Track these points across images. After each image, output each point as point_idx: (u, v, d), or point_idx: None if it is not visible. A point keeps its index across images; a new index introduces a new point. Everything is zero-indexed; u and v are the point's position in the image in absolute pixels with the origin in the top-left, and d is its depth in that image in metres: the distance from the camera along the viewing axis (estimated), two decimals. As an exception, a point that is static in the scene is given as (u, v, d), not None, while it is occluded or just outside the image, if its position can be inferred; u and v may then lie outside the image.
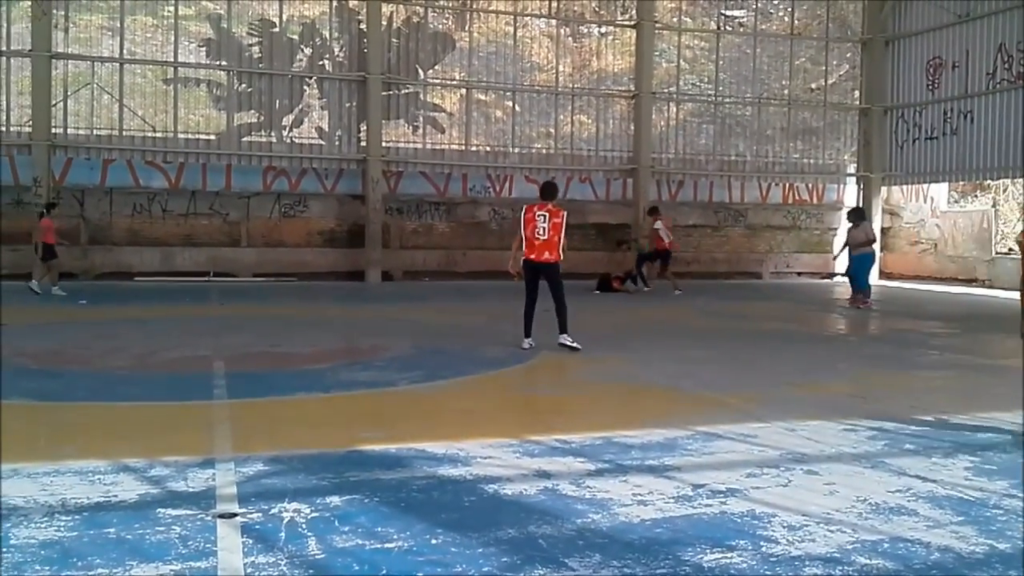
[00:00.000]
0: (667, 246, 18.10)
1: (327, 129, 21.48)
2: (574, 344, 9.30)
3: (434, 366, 8.40)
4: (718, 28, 24.31)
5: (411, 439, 5.37)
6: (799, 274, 24.68)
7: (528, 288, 9.53)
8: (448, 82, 22.58)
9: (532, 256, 9.38)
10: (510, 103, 22.94)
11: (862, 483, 4.64)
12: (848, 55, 25.42)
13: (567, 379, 8.06)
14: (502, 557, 3.49)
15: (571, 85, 23.18)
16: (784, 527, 3.92)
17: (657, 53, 23.52)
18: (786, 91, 24.79)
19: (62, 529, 3.72)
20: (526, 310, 9.54)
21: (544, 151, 23.10)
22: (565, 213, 9.50)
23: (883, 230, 24.79)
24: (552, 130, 23.07)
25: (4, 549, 3.46)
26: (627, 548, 3.61)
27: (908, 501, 4.34)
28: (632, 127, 23.14)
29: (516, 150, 22.76)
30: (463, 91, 22.46)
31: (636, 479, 4.61)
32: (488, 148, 22.63)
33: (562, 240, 9.39)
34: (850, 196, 24.91)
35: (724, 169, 24.04)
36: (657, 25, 23.10)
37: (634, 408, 6.77)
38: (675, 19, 23.91)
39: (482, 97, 22.97)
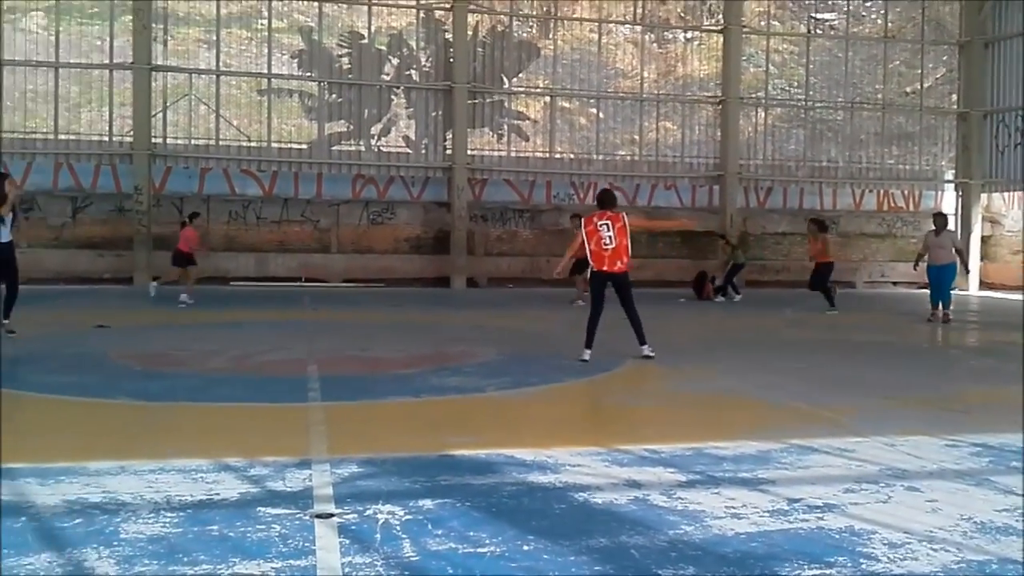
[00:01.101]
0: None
1: (414, 138, 21.83)
2: (651, 353, 9.24)
3: (521, 373, 8.43)
4: (808, 32, 23.84)
5: (500, 445, 5.41)
6: (894, 283, 23.94)
7: (595, 299, 9.29)
8: (532, 90, 22.70)
9: (604, 268, 9.13)
10: (594, 110, 22.93)
11: (966, 501, 4.47)
12: (944, 58, 24.59)
13: (654, 389, 7.99)
14: (594, 566, 3.48)
15: (656, 91, 23.04)
16: (885, 544, 3.80)
17: (745, 58, 23.19)
18: (880, 95, 24.13)
19: (168, 525, 3.85)
20: (591, 322, 9.24)
21: (628, 158, 23.01)
22: (626, 215, 9.28)
23: (983, 239, 23.89)
24: (637, 137, 22.95)
25: (114, 543, 3.61)
26: (721, 561, 3.55)
27: (1016, 521, 4.16)
28: (719, 133, 22.85)
29: (600, 157, 22.72)
30: (547, 99, 22.55)
31: (729, 491, 4.54)
32: (572, 155, 22.66)
33: (629, 245, 9.18)
34: (948, 203, 24.07)
35: (815, 175, 23.53)
36: (745, 30, 22.79)
37: (725, 419, 6.66)
38: (763, 23, 23.54)
39: (566, 104, 23.02)
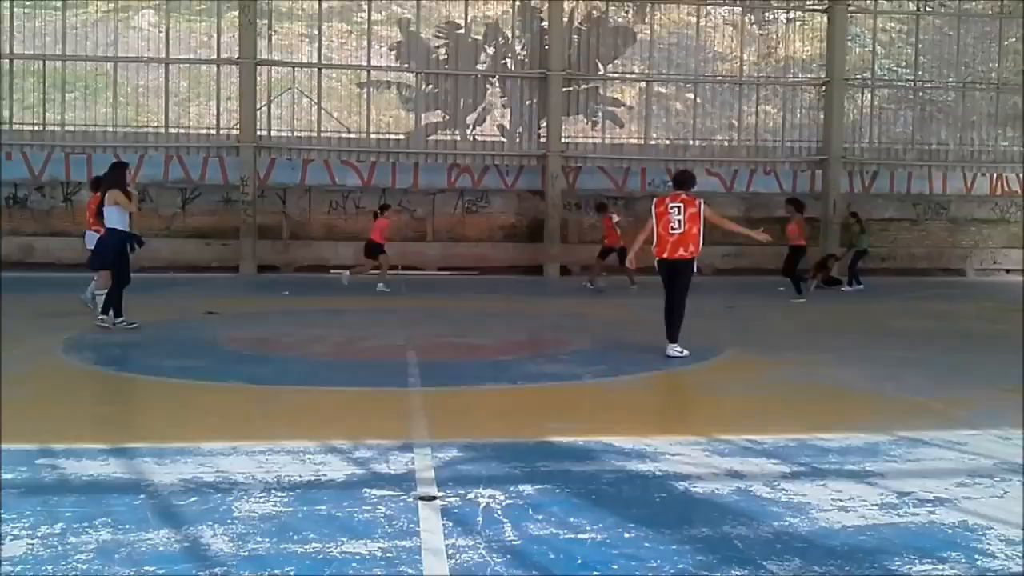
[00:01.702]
0: (619, 241, 16.48)
1: (508, 127, 21.91)
2: (683, 353, 8.38)
3: (617, 361, 8.40)
4: (917, 9, 22.88)
5: (598, 432, 5.40)
6: (1007, 271, 22.84)
7: (667, 289, 8.58)
8: (628, 76, 22.49)
9: (665, 254, 8.40)
10: (691, 95, 22.56)
11: (1092, 498, 4.25)
12: (1067, 32, 23.26)
13: (756, 378, 7.83)
14: (696, 556, 3.45)
15: (755, 74, 22.52)
16: (1001, 541, 3.65)
17: (849, 38, 22.43)
18: (994, 74, 22.98)
19: (278, 504, 4.00)
20: (667, 314, 8.57)
21: (726, 143, 22.58)
22: (702, 202, 8.45)
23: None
24: (735, 121, 22.50)
25: (228, 521, 3.76)
26: (829, 554, 3.48)
27: None
28: (821, 116, 22.18)
29: (696, 143, 22.37)
30: (643, 84, 22.31)
31: (835, 484, 4.43)
32: (667, 141, 22.38)
33: (700, 233, 8.36)
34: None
35: (924, 159, 22.63)
36: (850, 8, 22.04)
37: (830, 410, 6.49)
38: (869, 1, 22.68)
39: (662, 90, 22.72)
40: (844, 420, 5.98)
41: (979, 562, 3.43)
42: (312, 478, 4.40)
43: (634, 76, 22.41)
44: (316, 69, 21.06)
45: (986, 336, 10.76)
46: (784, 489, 4.34)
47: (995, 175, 22.98)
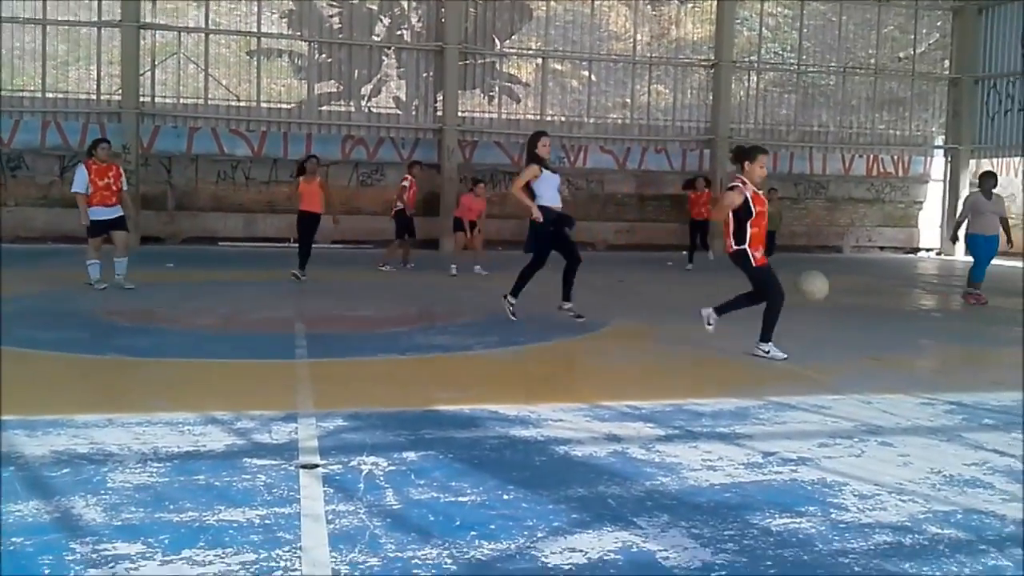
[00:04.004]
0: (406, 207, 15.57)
1: (404, 99, 21.70)
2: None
3: (508, 332, 8.50)
4: (803, -6, 23.69)
5: (484, 401, 5.49)
6: (881, 248, 24.06)
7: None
8: (524, 52, 22.54)
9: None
10: (586, 73, 22.79)
11: (937, 456, 4.58)
12: (939, 23, 24.52)
13: (640, 348, 8.07)
14: (571, 514, 3.57)
15: (649, 54, 22.91)
16: (855, 496, 3.91)
17: (738, 21, 23.06)
18: (873, 60, 24.06)
19: (154, 475, 3.93)
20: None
21: (620, 121, 22.94)
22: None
23: (972, 204, 23.96)
24: (628, 100, 22.86)
25: (101, 491, 3.68)
26: (695, 510, 3.65)
27: (984, 475, 4.28)
28: (711, 97, 22.78)
29: (592, 120, 22.64)
30: (539, 61, 22.41)
31: (706, 445, 4.64)
32: (563, 118, 22.57)
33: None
34: (937, 169, 24.14)
35: (805, 140, 23.55)
36: (739, -7, 22.62)
37: (706, 378, 6.76)
38: (758, -14, 23.35)
39: (558, 67, 22.88)
40: (719, 386, 6.24)
41: (833, 515, 3.66)
42: (191, 449, 4.33)
43: (531, 52, 22.49)
44: (203, 34, 20.34)
45: (857, 309, 11.33)
46: (658, 451, 4.52)
47: (871, 156, 24.09)
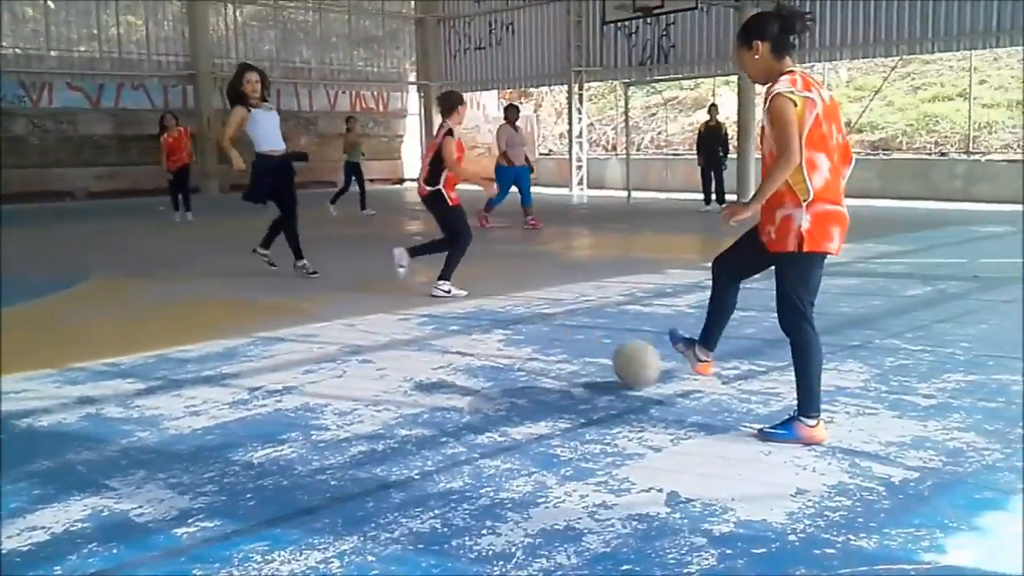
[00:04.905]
0: None
1: None
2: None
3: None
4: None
5: (-77, 383, 4.69)
6: (372, 181, 25.36)
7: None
8: (-43, -28, 19.21)
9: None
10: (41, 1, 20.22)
11: (410, 365, 5.01)
12: (400, -37, 26.11)
13: (123, 301, 7.52)
14: (34, 491, 3.23)
15: (114, -19, 21.02)
16: (335, 414, 4.11)
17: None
18: (345, -1, 24.89)
19: None
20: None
21: (88, 55, 20.83)
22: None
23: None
24: (96, 32, 20.82)
25: None
26: (174, 459, 3.54)
27: (448, 375, 4.79)
28: (187, 30, 21.71)
29: (54, 54, 20.23)
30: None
31: (190, 392, 4.51)
32: (19, 51, 19.83)
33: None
34: (413, 104, 26.01)
35: (289, 76, 23.68)
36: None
37: (196, 322, 6.55)
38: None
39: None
40: (208, 330, 6.07)
41: (314, 436, 3.81)
42: None
43: (-34, -27, 19.23)
44: None
45: (353, 240, 11.86)
46: (137, 406, 4.28)
47: (354, 93, 25.11)
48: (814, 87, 3.49)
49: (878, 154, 19.98)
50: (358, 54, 25.24)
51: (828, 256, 3.56)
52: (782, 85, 3.45)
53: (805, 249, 3.46)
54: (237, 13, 23.08)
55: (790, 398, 3.83)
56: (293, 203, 8.23)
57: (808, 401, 3.58)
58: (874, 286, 7.49)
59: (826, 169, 3.47)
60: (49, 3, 20.25)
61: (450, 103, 7.32)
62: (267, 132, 7.93)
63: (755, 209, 3.54)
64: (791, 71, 3.53)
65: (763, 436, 3.66)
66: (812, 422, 3.58)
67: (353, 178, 16.05)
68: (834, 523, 2.86)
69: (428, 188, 7.29)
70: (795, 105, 3.40)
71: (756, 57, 3.59)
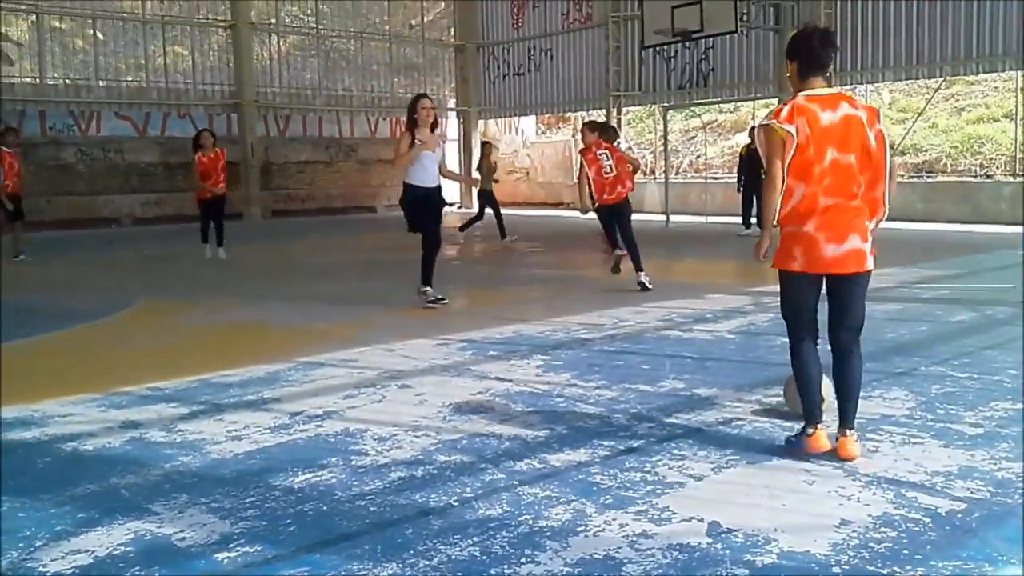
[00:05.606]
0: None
1: None
2: (648, 282, 8.76)
3: (10, 323, 7.51)
4: (317, -41, 23.94)
5: (-25, 406, 4.80)
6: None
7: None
8: (16, 8, 19.80)
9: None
10: (91, 31, 20.76)
11: (449, 390, 5.02)
12: (442, -8, 26.43)
13: (167, 326, 7.65)
14: (78, 514, 3.28)
15: (161, 14, 21.53)
16: (375, 439, 4.13)
17: (254, -19, 22.63)
18: (387, 26, 25.22)
19: None
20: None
21: (136, 84, 21.33)
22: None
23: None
24: (144, 62, 21.33)
25: None
26: (216, 483, 3.57)
27: (486, 401, 4.79)
28: (232, 59, 22.15)
29: (102, 84, 20.74)
30: (33, 17, 19.88)
31: (232, 416, 4.56)
32: (68, 82, 20.36)
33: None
34: (452, 130, 26.22)
35: (332, 104, 24.02)
36: (253, -48, 22.17)
37: (238, 348, 6.63)
38: (268, -53, 23.10)
39: (58, 24, 20.52)
40: (249, 355, 6.15)
41: (353, 462, 3.82)
42: None
43: (23, 8, 19.82)
44: None
45: (392, 263, 11.93)
46: (180, 430, 4.34)
47: (394, 119, 25.38)
48: (804, 114, 3.61)
49: (921, 176, 19.71)
50: (399, 81, 25.55)
51: (810, 275, 3.70)
52: (768, 116, 3.73)
53: (772, 267, 3.83)
54: (281, 42, 23.51)
55: (833, 427, 3.77)
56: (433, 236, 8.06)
57: (806, 411, 3.79)
58: (919, 312, 7.36)
59: (799, 195, 3.66)
60: (98, 34, 20.81)
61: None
62: (422, 167, 7.84)
63: (767, 235, 3.80)
64: (809, 94, 3.67)
65: (786, 443, 3.87)
66: (810, 431, 3.75)
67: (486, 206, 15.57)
68: (879, 555, 2.80)
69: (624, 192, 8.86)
70: (776, 133, 3.65)
71: (788, 75, 3.86)
